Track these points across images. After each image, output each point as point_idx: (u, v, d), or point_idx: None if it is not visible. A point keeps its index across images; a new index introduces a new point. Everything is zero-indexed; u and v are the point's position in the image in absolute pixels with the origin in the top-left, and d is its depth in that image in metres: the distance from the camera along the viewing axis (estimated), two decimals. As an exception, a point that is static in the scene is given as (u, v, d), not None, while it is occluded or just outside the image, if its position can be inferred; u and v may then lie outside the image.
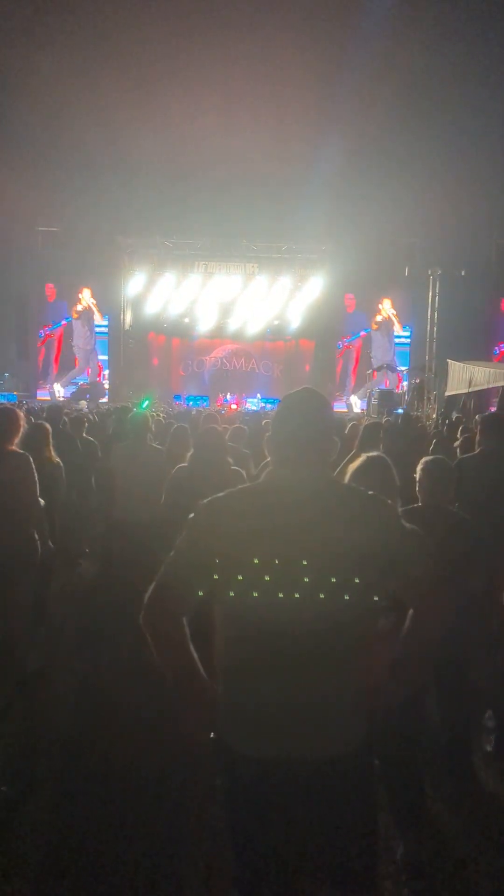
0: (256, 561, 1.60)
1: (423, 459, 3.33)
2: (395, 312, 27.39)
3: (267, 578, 1.59)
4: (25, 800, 2.97)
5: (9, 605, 3.92)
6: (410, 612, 1.73)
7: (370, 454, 2.79)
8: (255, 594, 1.60)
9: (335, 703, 1.62)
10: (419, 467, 3.27)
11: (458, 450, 5.95)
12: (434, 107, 19.39)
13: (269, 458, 1.83)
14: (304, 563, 1.59)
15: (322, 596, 1.58)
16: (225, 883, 1.86)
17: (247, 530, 1.64)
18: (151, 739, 3.33)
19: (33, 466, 3.93)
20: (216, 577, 1.64)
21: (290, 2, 16.49)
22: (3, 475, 3.83)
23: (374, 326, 27.63)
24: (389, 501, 1.83)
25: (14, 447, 3.91)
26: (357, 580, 1.60)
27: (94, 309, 27.56)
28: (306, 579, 1.59)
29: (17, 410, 4.18)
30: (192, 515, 1.73)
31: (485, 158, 19.92)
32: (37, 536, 3.99)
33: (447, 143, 20.17)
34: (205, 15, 16.74)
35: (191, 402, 25.12)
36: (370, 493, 1.81)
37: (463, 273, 21.77)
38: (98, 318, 27.74)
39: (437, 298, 22.46)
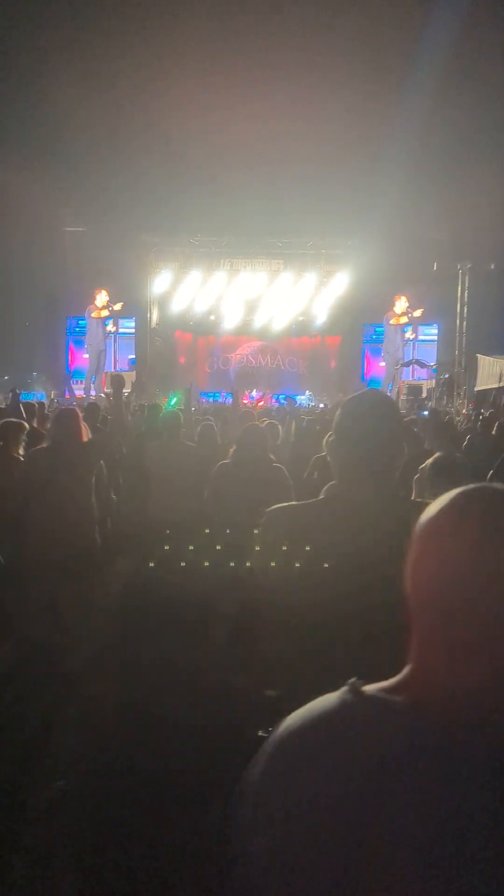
0: (314, 577, 1.55)
1: (434, 456, 3.26)
2: (408, 308, 25.51)
3: (323, 596, 1.53)
4: (83, 794, 3.02)
5: (68, 603, 3.98)
6: None
7: (442, 456, 2.60)
8: (310, 610, 1.55)
9: None
10: (429, 462, 3.18)
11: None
12: (461, 100, 19.11)
13: (332, 467, 1.73)
14: (363, 580, 1.51)
15: (379, 614, 1.54)
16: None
17: (307, 545, 1.59)
18: (199, 737, 3.35)
19: (103, 464, 4.03)
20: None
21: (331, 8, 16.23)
22: (79, 470, 3.91)
23: (397, 321, 26.04)
24: None
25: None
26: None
27: (112, 310, 26.68)
28: (364, 598, 1.51)
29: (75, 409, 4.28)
30: (258, 527, 1.71)
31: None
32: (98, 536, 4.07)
33: (475, 135, 19.88)
34: (241, 14, 16.68)
35: (214, 398, 25.16)
36: None
37: (493, 267, 21.50)
38: (111, 323, 26.81)
39: (466, 293, 22.20)
